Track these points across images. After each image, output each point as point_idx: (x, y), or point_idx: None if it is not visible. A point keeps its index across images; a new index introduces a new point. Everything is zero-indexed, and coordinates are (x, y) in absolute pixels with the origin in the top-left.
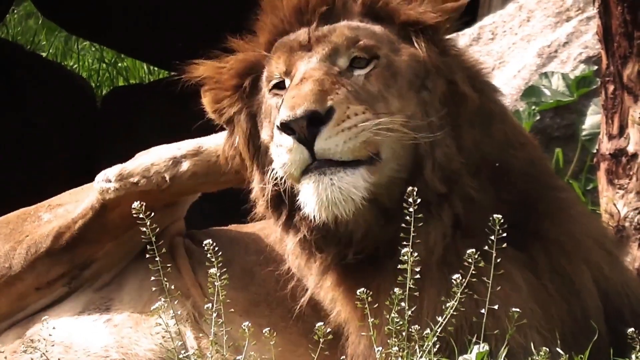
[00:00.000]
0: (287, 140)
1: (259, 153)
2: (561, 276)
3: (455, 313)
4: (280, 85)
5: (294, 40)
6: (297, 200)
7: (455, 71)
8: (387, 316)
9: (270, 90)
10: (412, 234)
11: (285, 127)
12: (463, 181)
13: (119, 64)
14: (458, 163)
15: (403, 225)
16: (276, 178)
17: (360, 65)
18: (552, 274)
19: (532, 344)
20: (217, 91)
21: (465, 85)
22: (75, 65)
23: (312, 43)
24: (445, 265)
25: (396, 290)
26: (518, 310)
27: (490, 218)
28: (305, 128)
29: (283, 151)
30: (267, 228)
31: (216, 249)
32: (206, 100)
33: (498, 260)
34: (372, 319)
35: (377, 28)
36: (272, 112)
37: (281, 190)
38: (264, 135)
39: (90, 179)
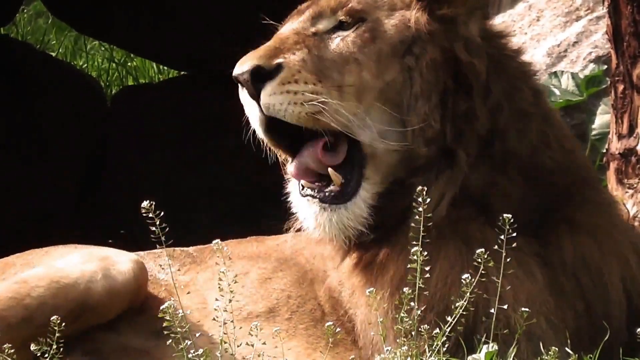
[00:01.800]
0: (241, 93)
1: None
2: (588, 268)
3: (464, 312)
4: None
5: (300, 7)
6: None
7: (455, 40)
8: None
9: None
10: (421, 233)
11: (236, 81)
12: (459, 155)
13: (129, 64)
14: (437, 132)
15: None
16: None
17: (345, 28)
18: (576, 268)
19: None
20: None
21: (463, 53)
22: (85, 65)
23: (305, 7)
24: (464, 242)
25: (405, 289)
26: (527, 310)
27: (500, 217)
28: (249, 82)
29: (245, 106)
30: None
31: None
32: None
33: (509, 257)
34: (382, 290)
35: None
36: None
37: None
38: None
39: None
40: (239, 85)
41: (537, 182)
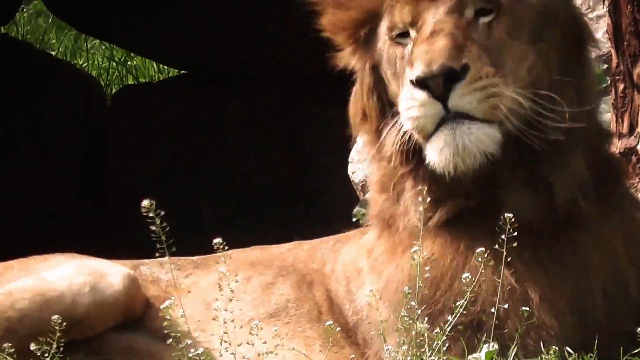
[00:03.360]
0: (421, 95)
1: (384, 106)
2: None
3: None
4: (404, 35)
5: None
6: (424, 154)
7: (575, 20)
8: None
9: (392, 39)
10: (421, 232)
11: (421, 83)
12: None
13: (129, 63)
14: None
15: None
16: (404, 132)
17: (484, 13)
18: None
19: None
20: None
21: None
22: (85, 64)
23: None
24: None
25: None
26: (528, 309)
27: (502, 217)
28: (441, 85)
29: (415, 104)
30: (296, 248)
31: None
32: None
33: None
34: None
35: None
36: (396, 62)
37: (405, 146)
38: (392, 88)
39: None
40: (413, 85)
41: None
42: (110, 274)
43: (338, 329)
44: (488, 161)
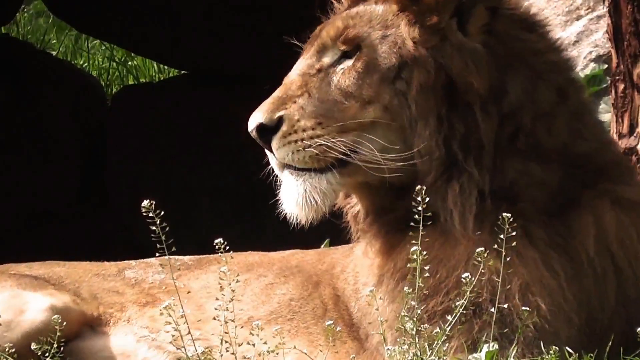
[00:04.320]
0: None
1: None
2: (629, 239)
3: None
4: None
5: (315, 31)
6: None
7: (445, 55)
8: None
9: None
10: (420, 232)
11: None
12: (470, 172)
13: (129, 63)
14: (443, 154)
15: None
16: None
17: (349, 56)
18: (613, 240)
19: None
20: None
21: (466, 74)
22: (85, 64)
23: (317, 35)
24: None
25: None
26: (528, 309)
27: (500, 217)
28: (258, 139)
29: (267, 152)
30: (299, 253)
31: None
32: None
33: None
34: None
35: (380, 9)
36: None
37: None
38: None
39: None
40: None
41: (574, 165)
42: (30, 310)
43: (338, 328)
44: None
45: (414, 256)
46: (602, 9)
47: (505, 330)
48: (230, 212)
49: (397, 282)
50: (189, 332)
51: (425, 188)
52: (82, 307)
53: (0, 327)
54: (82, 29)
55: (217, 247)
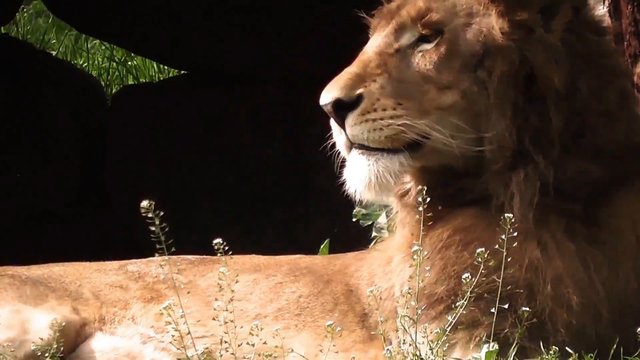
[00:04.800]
0: (332, 121)
1: None
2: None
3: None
4: None
5: (391, 5)
6: None
7: (529, 49)
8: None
9: None
10: (421, 232)
11: (325, 110)
12: (538, 161)
13: (129, 63)
14: (514, 144)
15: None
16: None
17: (428, 40)
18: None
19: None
20: None
21: (547, 69)
22: (85, 64)
23: (394, 12)
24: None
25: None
26: (528, 309)
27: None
28: (332, 113)
29: (334, 129)
30: (307, 257)
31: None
32: None
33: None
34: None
35: None
36: None
37: None
38: None
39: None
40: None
41: (622, 162)
42: (32, 330)
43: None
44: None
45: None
46: (602, 9)
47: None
48: (230, 212)
49: (438, 250)
50: (189, 332)
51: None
52: (84, 315)
53: (7, 346)
54: (82, 29)
55: (216, 247)
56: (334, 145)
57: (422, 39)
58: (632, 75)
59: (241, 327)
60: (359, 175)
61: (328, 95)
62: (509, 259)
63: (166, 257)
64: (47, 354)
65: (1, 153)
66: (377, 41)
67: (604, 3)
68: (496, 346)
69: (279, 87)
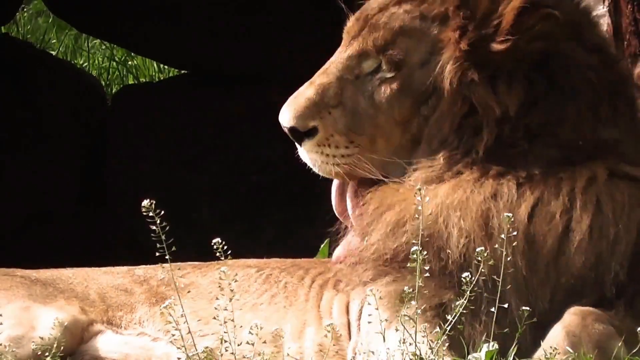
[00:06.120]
0: None
1: None
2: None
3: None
4: None
5: (365, 8)
6: None
7: (477, 93)
8: None
9: None
10: (420, 232)
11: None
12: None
13: (129, 62)
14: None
15: None
16: None
17: (386, 70)
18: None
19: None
20: None
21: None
22: (85, 64)
23: (365, 23)
24: None
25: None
26: (528, 308)
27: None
28: (289, 135)
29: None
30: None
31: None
32: None
33: None
34: None
35: (435, 30)
36: None
37: None
38: None
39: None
40: None
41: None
42: (40, 327)
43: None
44: None
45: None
46: (602, 9)
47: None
48: (230, 212)
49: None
50: (189, 332)
51: None
52: (91, 316)
53: (11, 343)
54: (82, 29)
55: (215, 247)
56: None
57: (382, 69)
58: (631, 77)
59: (240, 309)
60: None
61: (284, 118)
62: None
63: (168, 265)
64: (47, 354)
65: (1, 153)
66: (340, 60)
67: (604, 3)
68: (496, 345)
69: (279, 87)
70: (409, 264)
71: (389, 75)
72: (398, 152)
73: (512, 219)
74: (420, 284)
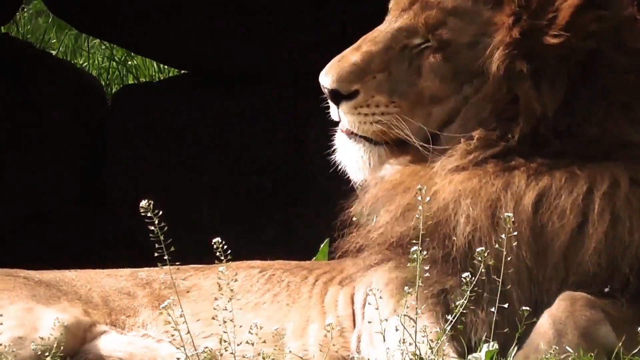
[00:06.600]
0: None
1: None
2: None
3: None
4: None
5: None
6: None
7: (521, 85)
8: None
9: None
10: (421, 232)
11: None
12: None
13: (129, 62)
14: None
15: None
16: None
17: (434, 45)
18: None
19: None
20: None
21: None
22: (85, 64)
23: (414, 1)
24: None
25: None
26: (528, 308)
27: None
28: (328, 96)
29: (330, 102)
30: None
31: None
32: None
33: None
34: None
35: (487, 14)
36: None
37: None
38: None
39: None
40: None
41: None
42: (42, 328)
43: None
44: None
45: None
46: None
47: None
48: (230, 212)
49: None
50: (188, 332)
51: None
52: (94, 318)
53: (13, 344)
54: (82, 28)
55: (215, 246)
56: (333, 145)
57: (429, 46)
58: None
59: (241, 309)
60: (348, 157)
61: (327, 80)
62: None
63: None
64: (47, 354)
65: (1, 153)
66: (388, 30)
67: None
68: (496, 345)
69: (279, 87)
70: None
71: (433, 54)
72: (431, 124)
73: (517, 211)
74: (425, 269)
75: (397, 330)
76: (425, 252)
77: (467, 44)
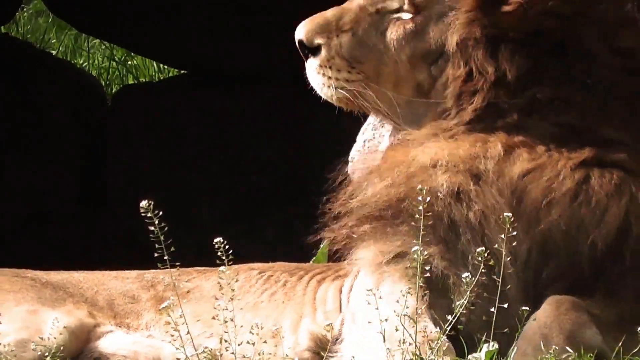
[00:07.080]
0: None
1: None
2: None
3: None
4: None
5: None
6: None
7: (478, 56)
8: None
9: None
10: (421, 231)
11: None
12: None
13: (129, 62)
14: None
15: None
16: None
17: (407, 9)
18: None
19: None
20: None
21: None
22: (85, 64)
23: None
24: None
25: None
26: (527, 308)
27: (501, 216)
28: (299, 49)
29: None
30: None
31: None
32: None
33: None
34: None
35: None
36: None
37: None
38: None
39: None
40: None
41: None
42: (47, 331)
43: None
44: None
45: None
46: None
47: None
48: (230, 212)
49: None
50: (188, 332)
51: None
52: (99, 320)
53: (17, 347)
54: (82, 28)
55: (216, 246)
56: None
57: (401, 9)
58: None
59: (241, 309)
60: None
61: (298, 31)
62: None
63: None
64: (47, 354)
65: (1, 153)
66: None
67: None
68: (496, 345)
69: (279, 87)
70: (397, 221)
71: (406, 17)
72: (399, 98)
73: (503, 175)
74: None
75: (381, 298)
76: (408, 219)
77: (437, 14)
